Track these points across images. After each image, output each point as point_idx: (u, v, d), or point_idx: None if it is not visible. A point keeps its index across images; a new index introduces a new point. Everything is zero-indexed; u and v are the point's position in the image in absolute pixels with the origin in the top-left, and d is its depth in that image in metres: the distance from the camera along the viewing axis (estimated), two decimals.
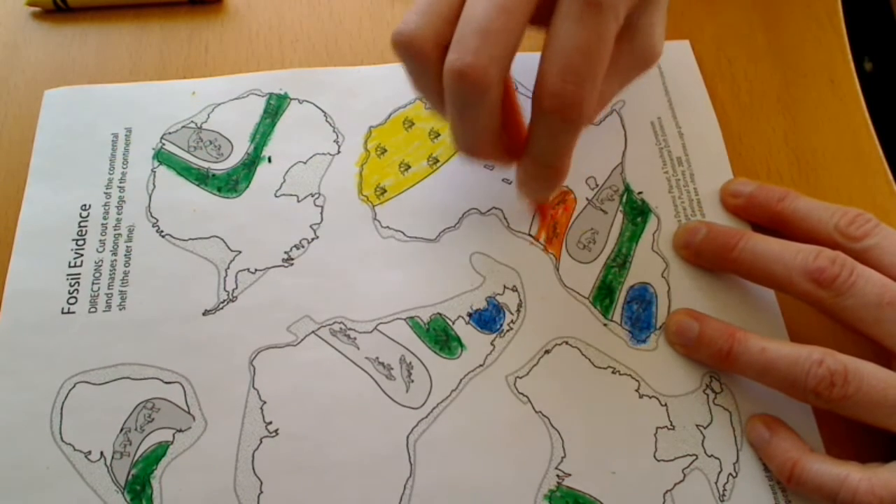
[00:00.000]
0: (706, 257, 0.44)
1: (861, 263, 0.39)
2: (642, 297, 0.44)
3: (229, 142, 0.48)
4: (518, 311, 0.43)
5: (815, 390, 0.37)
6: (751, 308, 0.43)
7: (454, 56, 0.35)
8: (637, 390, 0.42)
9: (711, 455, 0.40)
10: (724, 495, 0.40)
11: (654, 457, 0.40)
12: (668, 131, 0.48)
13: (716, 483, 0.40)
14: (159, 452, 0.40)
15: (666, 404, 0.41)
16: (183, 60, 0.52)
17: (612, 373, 0.42)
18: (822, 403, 0.38)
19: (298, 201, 0.46)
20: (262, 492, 0.39)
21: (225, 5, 0.54)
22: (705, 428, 0.41)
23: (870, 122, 0.49)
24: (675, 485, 0.40)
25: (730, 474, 0.40)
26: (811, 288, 0.39)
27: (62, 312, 0.43)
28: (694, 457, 0.40)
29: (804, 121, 0.49)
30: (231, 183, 0.47)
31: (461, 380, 0.42)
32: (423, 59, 0.37)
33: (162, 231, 0.45)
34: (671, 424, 0.41)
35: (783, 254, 0.40)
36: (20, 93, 0.50)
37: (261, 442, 0.40)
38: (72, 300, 0.43)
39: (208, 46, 0.52)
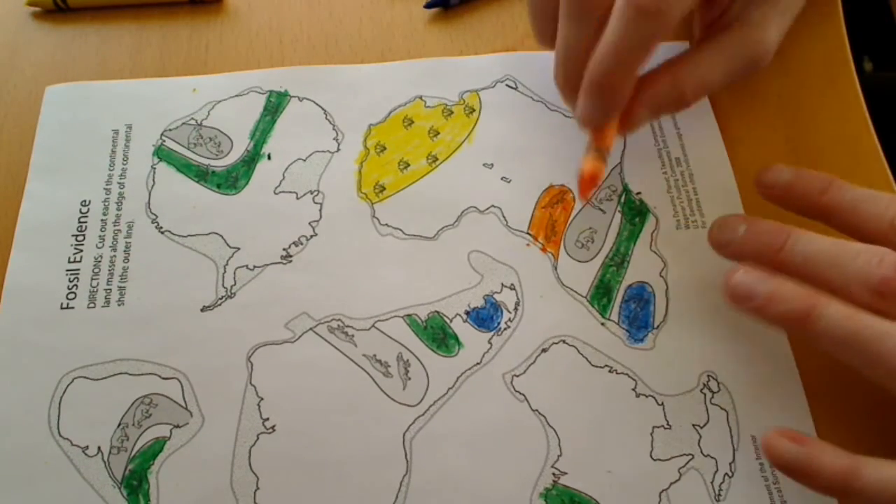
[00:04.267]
0: (749, 259, 0.39)
1: None
2: (640, 297, 0.44)
3: (229, 139, 0.48)
4: (516, 309, 0.43)
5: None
6: None
7: None
8: (634, 389, 0.42)
9: (708, 455, 0.40)
10: (719, 495, 0.40)
11: (651, 456, 0.40)
12: (667, 132, 0.48)
13: (712, 483, 0.40)
14: (156, 448, 0.40)
15: (662, 403, 0.41)
16: (183, 60, 0.52)
17: (609, 372, 0.42)
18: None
19: (297, 198, 0.46)
20: (258, 488, 0.39)
21: (225, 5, 0.54)
22: (702, 427, 0.41)
23: (870, 121, 0.49)
24: (671, 484, 0.40)
25: (726, 474, 0.40)
26: (873, 299, 0.35)
27: (61, 308, 0.43)
28: (690, 456, 0.40)
29: (804, 121, 0.49)
30: (231, 180, 0.47)
31: (458, 378, 0.42)
32: None
33: (161, 227, 0.45)
34: (668, 424, 0.41)
35: (839, 257, 0.36)
36: (20, 92, 0.51)
37: (258, 438, 0.40)
38: (71, 295, 0.43)
39: (208, 46, 0.52)
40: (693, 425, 0.41)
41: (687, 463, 0.40)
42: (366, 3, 0.54)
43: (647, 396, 0.41)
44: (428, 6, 0.53)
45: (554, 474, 0.40)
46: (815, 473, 0.35)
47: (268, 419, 0.41)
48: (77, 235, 0.45)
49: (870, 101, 0.50)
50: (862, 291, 0.35)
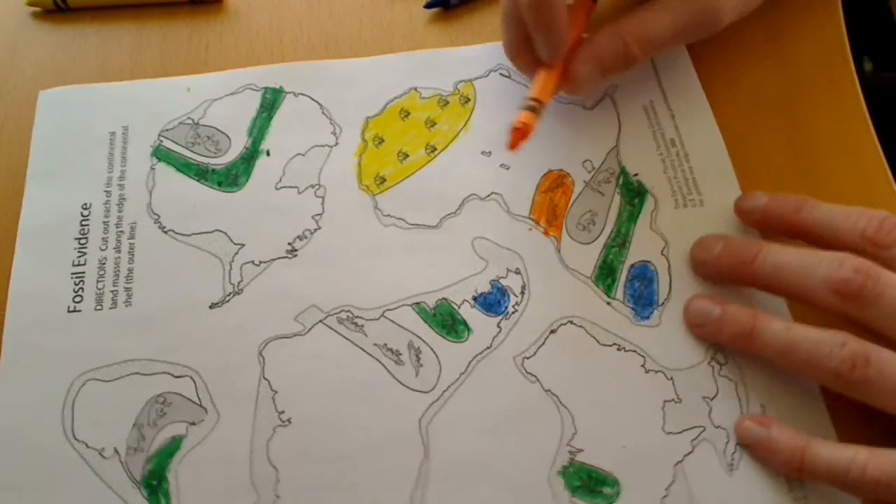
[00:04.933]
0: (724, 273, 0.43)
1: (889, 269, 0.38)
2: (643, 275, 0.45)
3: (227, 137, 0.48)
4: (522, 293, 0.44)
5: (836, 370, 0.37)
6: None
7: None
8: (643, 365, 0.42)
9: (719, 426, 0.41)
10: (732, 465, 0.40)
11: (663, 430, 0.41)
12: (661, 114, 0.49)
13: (724, 453, 0.41)
14: (173, 446, 0.40)
15: (672, 378, 0.42)
16: (183, 60, 0.52)
17: (618, 350, 0.43)
18: (841, 385, 0.37)
19: (299, 193, 0.46)
20: (279, 480, 0.40)
21: (225, 5, 0.54)
22: (711, 399, 0.42)
23: (870, 121, 0.49)
24: (685, 456, 0.40)
25: (737, 444, 0.41)
26: (836, 301, 0.38)
27: (68, 311, 0.43)
28: (702, 428, 0.41)
29: (804, 121, 0.50)
30: (231, 177, 0.47)
31: (469, 362, 0.42)
32: None
33: (164, 227, 0.45)
34: (678, 397, 0.42)
35: (804, 265, 0.39)
36: (20, 92, 0.51)
37: (274, 431, 0.41)
38: (77, 298, 0.43)
39: (208, 46, 0.52)
40: (703, 398, 0.42)
41: (699, 435, 0.41)
42: (366, 3, 0.55)
43: (656, 372, 0.42)
44: (428, 6, 0.54)
45: (570, 452, 0.40)
46: (774, 451, 0.39)
47: (283, 412, 0.41)
48: (80, 238, 0.45)
49: (870, 101, 0.50)
50: (826, 294, 0.38)
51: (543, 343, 0.43)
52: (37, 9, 0.54)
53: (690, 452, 0.41)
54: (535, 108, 0.42)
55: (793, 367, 0.39)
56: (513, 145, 0.42)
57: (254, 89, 0.50)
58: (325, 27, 0.53)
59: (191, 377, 0.42)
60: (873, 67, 0.67)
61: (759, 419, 0.40)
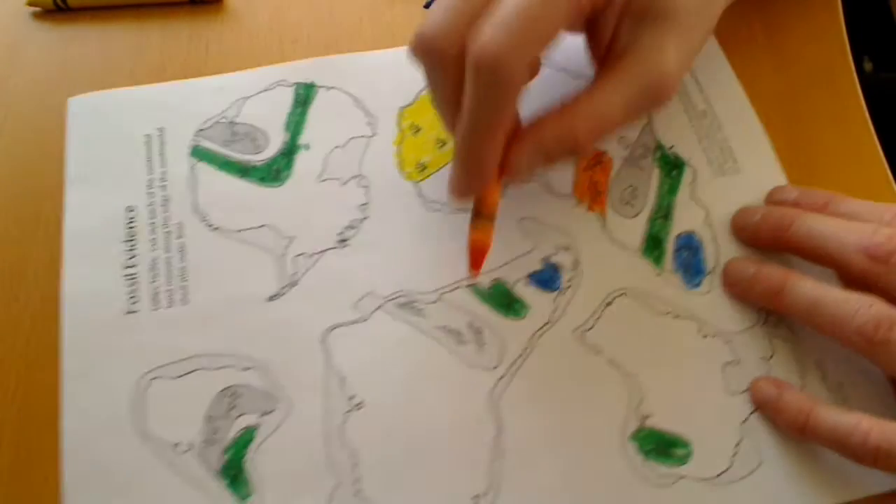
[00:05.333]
0: (763, 238, 0.45)
1: None
2: (690, 245, 0.46)
3: (264, 133, 0.49)
4: (574, 268, 0.45)
5: (859, 329, 0.38)
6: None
7: (484, 39, 0.34)
8: (699, 331, 0.44)
9: None
10: None
11: (726, 391, 0.42)
12: (689, 87, 0.50)
13: None
14: (248, 436, 0.40)
15: (729, 341, 0.43)
16: (183, 60, 0.52)
17: (674, 318, 0.44)
18: (863, 343, 0.38)
19: (342, 184, 0.47)
20: (356, 463, 0.40)
21: (225, 5, 0.54)
22: (769, 359, 0.43)
23: (870, 122, 0.50)
24: (750, 415, 0.42)
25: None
26: (866, 264, 0.39)
27: (125, 313, 0.43)
28: None
29: (804, 121, 0.50)
30: (273, 172, 0.47)
31: (531, 338, 0.43)
32: (445, 61, 0.37)
33: (212, 225, 0.46)
34: (736, 359, 0.43)
35: (838, 230, 0.41)
36: (20, 92, 0.50)
37: (346, 416, 0.41)
38: (133, 300, 0.43)
39: (208, 46, 0.53)
40: (761, 358, 0.43)
41: None
42: (366, 3, 0.55)
43: (713, 336, 0.43)
44: (428, 6, 0.54)
45: (639, 417, 0.41)
46: (781, 410, 0.41)
47: (353, 396, 0.41)
48: (128, 241, 0.45)
49: (870, 101, 0.51)
50: (856, 257, 0.39)
51: (601, 315, 0.44)
52: (37, 9, 0.53)
53: (754, 411, 0.42)
54: (487, 223, 0.41)
55: (819, 325, 0.40)
56: (475, 270, 0.41)
57: (285, 85, 0.50)
58: (325, 27, 0.53)
59: (257, 369, 0.42)
60: (873, 68, 0.68)
61: (774, 382, 0.42)
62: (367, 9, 0.55)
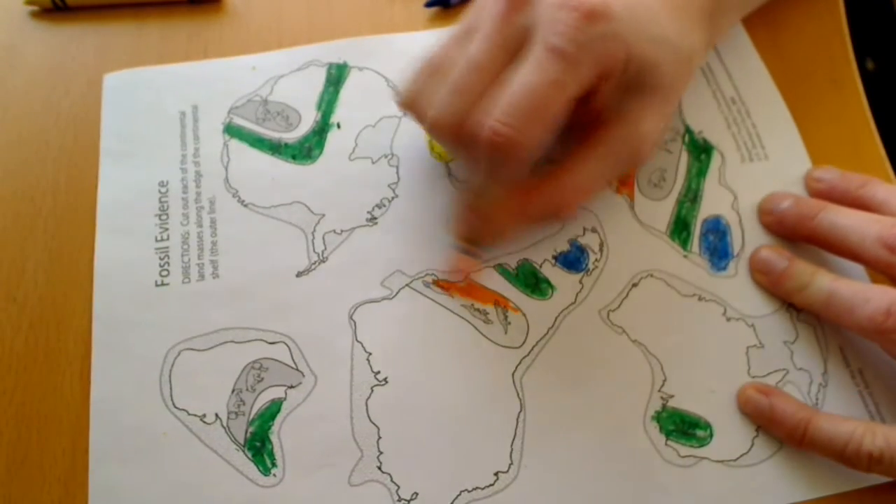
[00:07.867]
0: (787, 225, 0.45)
1: None
2: (716, 229, 0.46)
3: (296, 111, 0.49)
4: (601, 249, 0.45)
5: (871, 315, 0.39)
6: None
7: (496, 124, 0.37)
8: (724, 314, 0.44)
9: (801, 368, 0.43)
10: (816, 404, 0.42)
11: (749, 374, 0.42)
12: (718, 74, 0.50)
13: (808, 394, 0.42)
14: (274, 409, 0.41)
15: (752, 325, 0.43)
16: (182, 60, 0.52)
17: (699, 300, 0.44)
18: (873, 330, 0.39)
19: (373, 163, 0.47)
20: (380, 437, 0.40)
21: (224, 5, 0.54)
22: (792, 343, 0.43)
23: (872, 121, 0.50)
24: None
25: (820, 384, 0.42)
26: (885, 255, 0.40)
27: (156, 285, 0.44)
28: (785, 371, 0.43)
29: (806, 120, 0.50)
30: (304, 150, 0.48)
31: (556, 318, 0.43)
32: (456, 140, 0.40)
33: (244, 201, 0.46)
34: (760, 343, 0.43)
35: (860, 224, 0.42)
36: (18, 92, 0.50)
37: (372, 391, 0.41)
38: (164, 272, 0.44)
39: (207, 46, 0.52)
40: (784, 342, 0.43)
41: (783, 377, 0.42)
42: (366, 3, 0.54)
43: (737, 320, 0.44)
44: (428, 6, 0.54)
45: (662, 398, 0.42)
46: (777, 423, 0.41)
47: (379, 372, 0.42)
48: (160, 215, 0.46)
49: (872, 101, 0.51)
50: (875, 248, 0.40)
51: (627, 296, 0.44)
52: (35, 8, 0.53)
53: None
54: (475, 257, 0.45)
55: (836, 315, 0.41)
56: (464, 276, 0.45)
57: (318, 65, 0.51)
58: (325, 27, 0.53)
59: (285, 343, 0.42)
60: (876, 67, 0.68)
61: (760, 388, 0.42)
62: (367, 9, 0.54)
